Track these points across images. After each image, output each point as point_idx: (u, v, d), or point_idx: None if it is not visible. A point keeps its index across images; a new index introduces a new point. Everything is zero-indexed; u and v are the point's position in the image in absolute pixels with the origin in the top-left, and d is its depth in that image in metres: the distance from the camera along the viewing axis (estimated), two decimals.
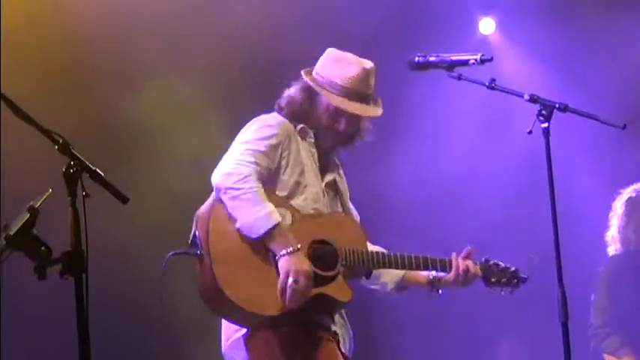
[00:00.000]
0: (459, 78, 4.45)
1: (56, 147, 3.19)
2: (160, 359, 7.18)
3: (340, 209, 4.63)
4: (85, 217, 3.16)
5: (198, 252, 4.26)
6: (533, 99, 4.26)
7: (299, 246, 4.25)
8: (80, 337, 3.10)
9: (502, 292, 4.70)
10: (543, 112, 4.23)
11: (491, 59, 4.42)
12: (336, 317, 4.52)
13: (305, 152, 4.51)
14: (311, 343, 4.36)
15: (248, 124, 4.50)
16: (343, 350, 4.49)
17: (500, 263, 4.72)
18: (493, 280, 4.68)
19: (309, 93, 4.54)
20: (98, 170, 3.21)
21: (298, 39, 6.82)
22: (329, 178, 4.61)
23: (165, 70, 7.05)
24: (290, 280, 4.18)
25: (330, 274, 4.38)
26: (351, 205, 4.73)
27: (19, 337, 6.31)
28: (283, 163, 4.44)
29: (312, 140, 4.55)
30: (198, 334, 6.77)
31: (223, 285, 4.19)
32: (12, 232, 3.15)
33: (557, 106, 4.23)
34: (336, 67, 4.54)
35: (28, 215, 3.15)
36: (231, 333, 4.43)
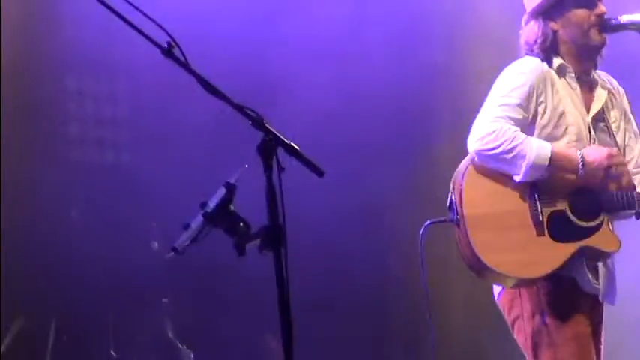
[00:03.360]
0: None
1: (250, 122, 3.18)
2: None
3: (612, 141, 4.49)
4: (282, 192, 3.14)
5: (455, 218, 4.26)
6: None
7: (581, 152, 4.24)
8: (281, 311, 3.08)
9: None
10: None
11: None
12: (600, 267, 4.38)
13: (565, 90, 4.42)
14: (566, 300, 4.30)
15: (501, 75, 4.44)
16: (601, 300, 4.39)
17: None
18: None
19: (546, 19, 4.45)
20: (293, 144, 3.17)
21: None
22: (596, 108, 4.48)
23: None
24: (611, 173, 4.22)
25: (594, 224, 4.29)
26: (630, 127, 4.59)
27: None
28: (540, 108, 4.36)
29: (572, 74, 4.45)
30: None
31: (479, 250, 4.20)
32: (210, 210, 3.17)
33: None
34: None
35: (225, 192, 3.17)
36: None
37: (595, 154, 4.26)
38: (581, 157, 4.23)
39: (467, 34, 7.36)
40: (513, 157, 4.20)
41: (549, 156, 4.20)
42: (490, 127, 4.24)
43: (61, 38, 6.53)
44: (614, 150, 4.33)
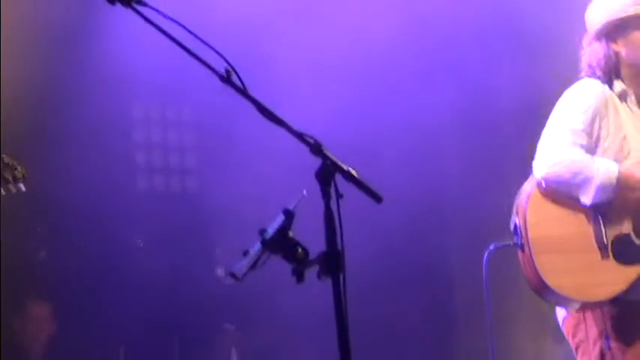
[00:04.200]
0: None
1: (309, 149, 3.18)
2: None
3: None
4: (340, 218, 3.12)
5: (519, 242, 4.27)
6: None
7: None
8: (340, 337, 3.06)
9: None
10: None
11: None
12: None
13: (626, 114, 4.41)
14: (631, 323, 4.28)
15: (562, 98, 4.44)
16: None
17: None
18: None
19: (609, 41, 4.44)
20: (351, 170, 3.16)
21: None
22: None
23: None
24: None
25: None
26: None
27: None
28: (603, 132, 4.36)
29: (633, 98, 4.44)
30: None
31: (544, 274, 4.21)
32: (269, 237, 3.17)
33: None
34: (609, 3, 4.45)
35: (284, 218, 3.16)
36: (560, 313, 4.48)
37: None
38: None
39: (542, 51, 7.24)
40: (582, 181, 4.23)
41: (616, 175, 4.22)
42: (559, 155, 4.26)
43: (127, 65, 6.60)
44: None
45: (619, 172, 4.23)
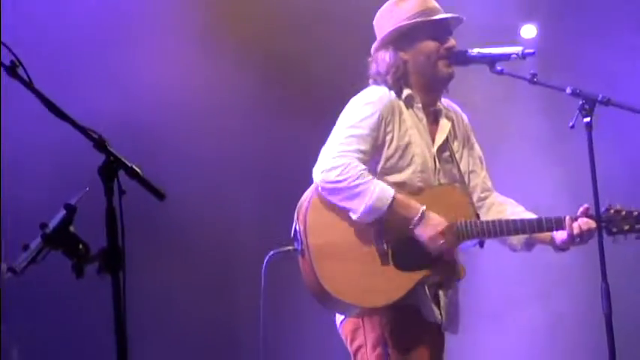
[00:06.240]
0: (501, 73, 4.45)
1: (92, 144, 3.16)
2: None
3: (456, 170, 4.56)
4: (122, 214, 3.13)
5: (299, 247, 4.28)
6: (576, 93, 4.24)
7: (423, 208, 4.26)
8: (117, 334, 3.06)
9: (626, 240, 4.46)
10: (586, 105, 4.19)
11: (533, 53, 4.41)
12: (441, 297, 4.44)
13: (411, 121, 4.46)
14: (408, 328, 4.34)
15: (348, 105, 4.45)
16: (443, 330, 4.47)
17: (622, 210, 4.47)
18: (614, 230, 4.44)
19: (396, 49, 4.49)
20: (135, 167, 3.15)
21: None
22: (440, 138, 4.54)
23: None
24: (437, 243, 4.25)
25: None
26: (474, 152, 4.67)
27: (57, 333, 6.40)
28: (388, 137, 4.39)
29: (419, 105, 4.49)
30: None
31: (324, 280, 4.22)
32: (49, 231, 3.13)
33: (599, 99, 4.20)
34: (397, 11, 4.50)
35: (66, 213, 3.14)
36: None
37: (436, 219, 4.31)
38: (422, 212, 4.29)
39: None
40: (354, 195, 4.24)
41: (389, 202, 4.25)
42: (337, 161, 4.26)
43: None
44: (450, 228, 4.35)
45: (393, 199, 4.25)
